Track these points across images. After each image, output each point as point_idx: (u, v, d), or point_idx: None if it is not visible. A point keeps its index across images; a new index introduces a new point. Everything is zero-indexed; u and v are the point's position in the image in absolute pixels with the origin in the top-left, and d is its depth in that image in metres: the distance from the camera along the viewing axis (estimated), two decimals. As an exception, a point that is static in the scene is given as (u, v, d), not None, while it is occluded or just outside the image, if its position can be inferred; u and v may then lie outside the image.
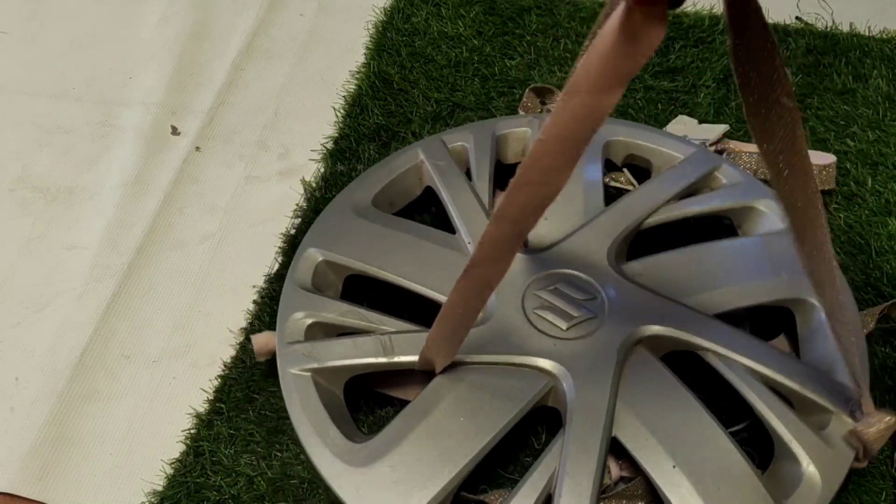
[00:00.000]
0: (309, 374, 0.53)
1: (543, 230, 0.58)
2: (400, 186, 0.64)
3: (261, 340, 0.57)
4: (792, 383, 0.51)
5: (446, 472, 0.48)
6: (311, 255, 0.59)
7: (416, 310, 0.58)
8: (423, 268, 0.57)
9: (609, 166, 0.66)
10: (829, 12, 0.78)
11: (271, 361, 0.56)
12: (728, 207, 0.60)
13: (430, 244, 0.58)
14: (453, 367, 0.52)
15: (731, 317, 0.55)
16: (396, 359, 0.52)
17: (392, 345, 0.53)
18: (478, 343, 0.52)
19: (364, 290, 0.61)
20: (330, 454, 0.49)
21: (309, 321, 0.55)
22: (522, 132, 0.66)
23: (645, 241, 0.60)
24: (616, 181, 0.66)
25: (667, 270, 0.56)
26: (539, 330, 0.53)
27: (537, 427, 0.56)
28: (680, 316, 0.53)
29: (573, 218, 0.59)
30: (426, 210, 0.66)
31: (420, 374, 0.53)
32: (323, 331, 0.56)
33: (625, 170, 0.67)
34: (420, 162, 0.64)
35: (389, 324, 0.55)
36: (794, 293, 0.55)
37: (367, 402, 0.57)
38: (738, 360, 0.52)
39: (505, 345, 0.52)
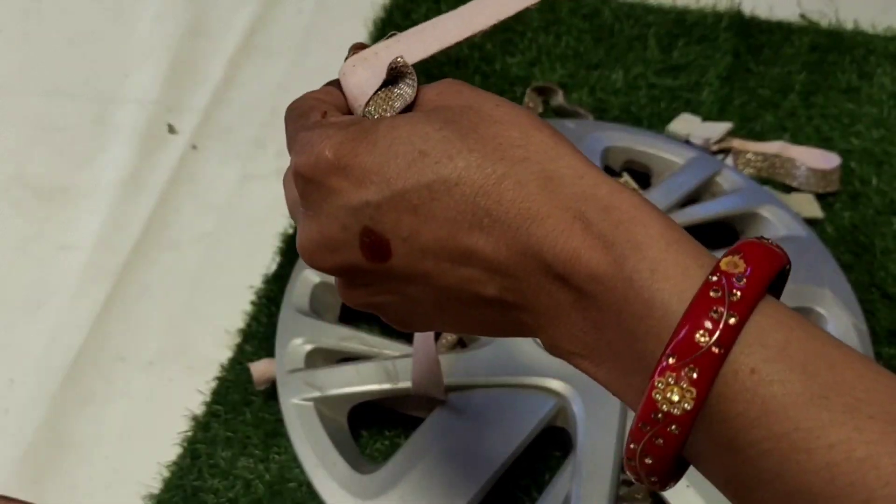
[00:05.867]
0: (311, 403, 0.52)
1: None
2: None
3: (259, 368, 0.56)
4: None
5: (457, 501, 0.48)
6: (308, 278, 0.58)
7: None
8: None
9: (608, 171, 0.66)
10: (832, 10, 0.77)
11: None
12: (730, 214, 0.60)
13: None
14: (460, 390, 0.51)
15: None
16: (401, 384, 0.52)
17: (396, 370, 0.52)
18: (484, 365, 0.51)
19: (363, 312, 0.60)
20: (338, 487, 0.49)
21: (309, 347, 0.54)
22: None
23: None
24: None
25: None
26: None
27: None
28: None
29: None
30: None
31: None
32: (323, 357, 0.55)
33: (625, 174, 0.66)
34: None
35: (392, 347, 0.54)
36: (799, 302, 0.55)
37: (372, 426, 0.56)
38: None
39: (511, 366, 0.51)
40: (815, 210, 0.64)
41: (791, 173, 0.66)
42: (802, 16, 0.77)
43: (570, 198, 0.26)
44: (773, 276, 0.24)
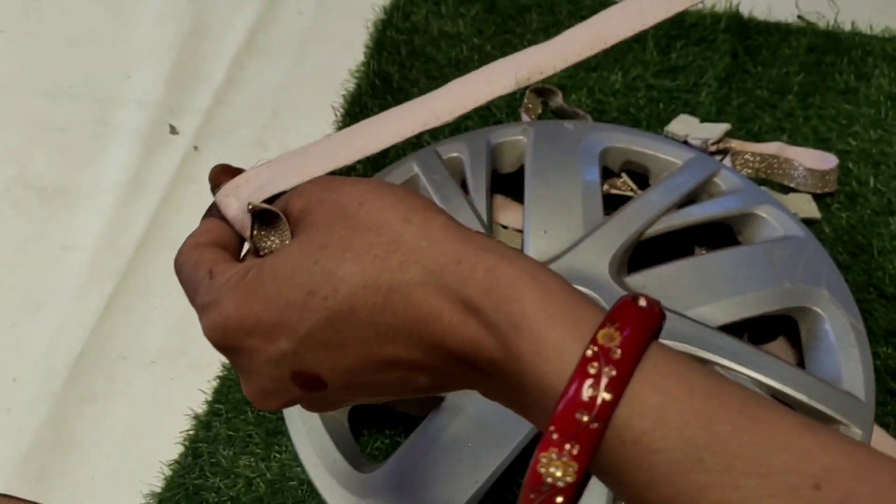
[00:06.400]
0: None
1: (544, 244, 0.57)
2: None
3: None
4: (799, 394, 0.51)
5: (457, 498, 0.48)
6: None
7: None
8: None
9: (607, 172, 0.66)
10: (833, 11, 0.77)
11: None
12: (728, 215, 0.60)
13: None
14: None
15: (732, 324, 0.54)
16: None
17: None
18: None
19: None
20: (338, 486, 0.49)
21: None
22: (518, 140, 0.65)
23: (643, 250, 0.59)
24: (615, 187, 0.66)
25: (669, 283, 0.55)
26: None
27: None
28: (684, 329, 0.53)
29: (573, 230, 0.58)
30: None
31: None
32: None
33: (623, 174, 0.66)
34: (415, 175, 0.63)
35: None
36: (797, 302, 0.55)
37: (372, 425, 0.56)
38: (743, 373, 0.51)
39: None
40: (812, 210, 0.64)
41: (789, 174, 0.66)
42: (800, 17, 0.78)
43: (453, 288, 0.27)
44: (648, 339, 0.25)
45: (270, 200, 0.33)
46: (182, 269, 0.33)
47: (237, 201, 0.33)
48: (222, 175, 0.35)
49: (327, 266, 0.28)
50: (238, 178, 0.34)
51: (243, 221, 0.33)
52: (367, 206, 0.29)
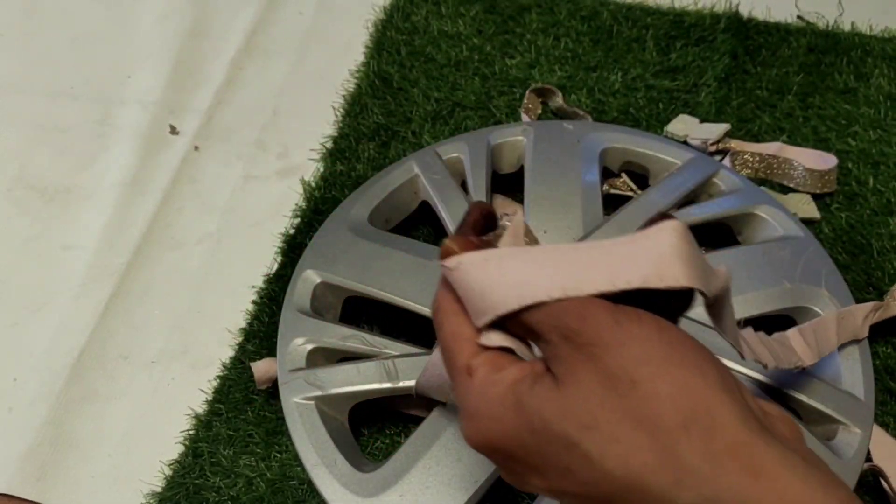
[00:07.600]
0: (313, 402, 0.52)
1: (544, 244, 0.58)
2: (395, 202, 0.63)
3: (261, 368, 0.56)
4: (798, 394, 0.51)
5: (457, 498, 0.48)
6: (309, 277, 0.58)
7: (418, 330, 0.57)
8: (424, 287, 0.56)
9: (607, 172, 0.66)
10: (835, 11, 0.78)
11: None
12: (727, 214, 0.60)
13: (430, 262, 0.57)
14: None
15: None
16: (401, 384, 0.52)
17: (396, 369, 0.52)
18: None
19: (364, 311, 0.60)
20: (339, 485, 0.49)
21: (310, 347, 0.55)
22: (518, 141, 0.65)
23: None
24: (615, 187, 0.66)
25: None
26: None
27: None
28: (684, 329, 0.53)
29: (573, 230, 0.58)
30: (422, 225, 0.66)
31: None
32: (324, 356, 0.56)
33: (623, 174, 0.66)
34: (415, 176, 0.63)
35: (392, 347, 0.54)
36: (797, 302, 0.55)
37: (373, 424, 0.57)
38: (743, 373, 0.51)
39: None
40: (812, 210, 0.65)
41: (788, 174, 0.66)
42: (800, 17, 0.78)
43: None
44: None
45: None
46: (441, 328, 0.31)
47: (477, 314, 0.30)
48: (455, 246, 0.31)
49: (589, 453, 0.26)
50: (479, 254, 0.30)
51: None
52: (641, 390, 0.26)
